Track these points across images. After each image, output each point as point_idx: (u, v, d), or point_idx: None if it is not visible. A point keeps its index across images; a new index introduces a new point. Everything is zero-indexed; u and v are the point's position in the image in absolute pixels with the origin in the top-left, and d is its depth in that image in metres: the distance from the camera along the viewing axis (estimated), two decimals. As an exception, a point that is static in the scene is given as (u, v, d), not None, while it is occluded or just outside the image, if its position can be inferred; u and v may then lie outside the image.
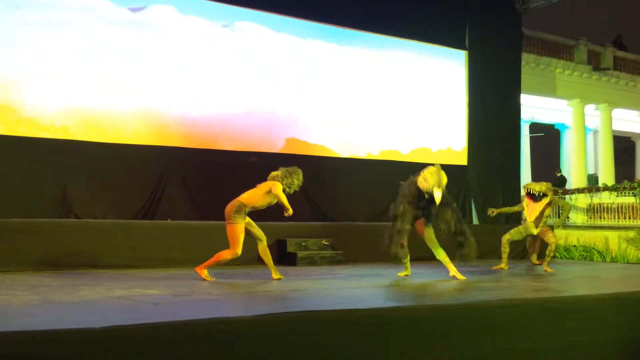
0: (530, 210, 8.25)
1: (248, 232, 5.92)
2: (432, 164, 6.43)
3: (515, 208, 8.98)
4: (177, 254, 7.41)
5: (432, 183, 6.14)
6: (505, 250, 8.34)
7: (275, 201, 5.99)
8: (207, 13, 9.52)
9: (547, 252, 8.22)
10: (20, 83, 8.12)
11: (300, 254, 8.10)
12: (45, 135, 8.23)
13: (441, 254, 6.57)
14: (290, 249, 8.25)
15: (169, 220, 8.53)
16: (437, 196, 6.11)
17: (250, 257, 7.36)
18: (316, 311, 3.74)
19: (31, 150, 8.03)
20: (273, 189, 5.87)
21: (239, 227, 5.77)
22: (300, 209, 9.98)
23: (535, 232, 8.30)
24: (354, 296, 4.93)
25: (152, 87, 9.03)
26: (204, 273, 5.82)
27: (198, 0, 9.44)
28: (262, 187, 5.96)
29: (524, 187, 8.56)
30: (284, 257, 8.18)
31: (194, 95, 9.33)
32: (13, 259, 6.62)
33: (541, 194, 8.13)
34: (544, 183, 8.47)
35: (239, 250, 5.78)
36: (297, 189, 6.12)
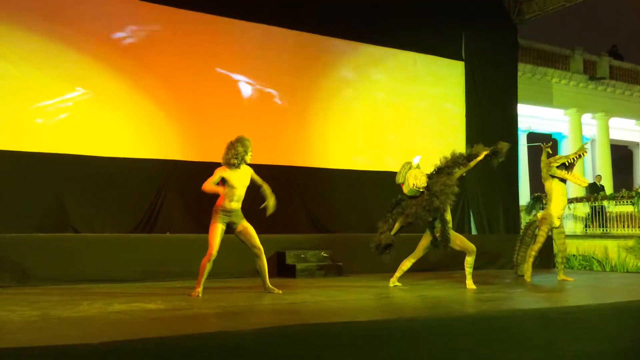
0: (560, 193, 7.42)
1: (243, 241, 5.87)
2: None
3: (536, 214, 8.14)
4: (176, 267, 7.38)
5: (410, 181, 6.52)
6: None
7: (247, 181, 5.80)
8: (203, 24, 9.56)
9: (561, 258, 7.85)
10: (18, 95, 8.12)
11: (299, 266, 8.08)
12: (42, 148, 8.22)
13: (406, 264, 6.78)
14: (289, 261, 8.23)
15: (168, 234, 8.52)
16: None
17: (248, 270, 7.36)
18: (315, 324, 3.74)
19: (29, 164, 8.03)
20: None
21: (211, 227, 5.73)
22: (299, 221, 10.04)
23: (557, 223, 7.63)
24: (353, 308, 4.92)
25: (151, 99, 9.05)
26: (198, 291, 5.68)
27: (195, 12, 9.48)
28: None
29: (550, 162, 7.65)
30: (283, 269, 8.16)
31: (192, 108, 9.35)
32: (12, 274, 6.59)
33: (564, 161, 7.41)
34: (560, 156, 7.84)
35: (213, 251, 5.64)
36: (245, 157, 5.80)
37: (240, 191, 5.81)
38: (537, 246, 7.74)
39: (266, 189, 5.91)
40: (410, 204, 6.60)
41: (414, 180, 6.54)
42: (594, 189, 14.58)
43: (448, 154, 6.90)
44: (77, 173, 8.34)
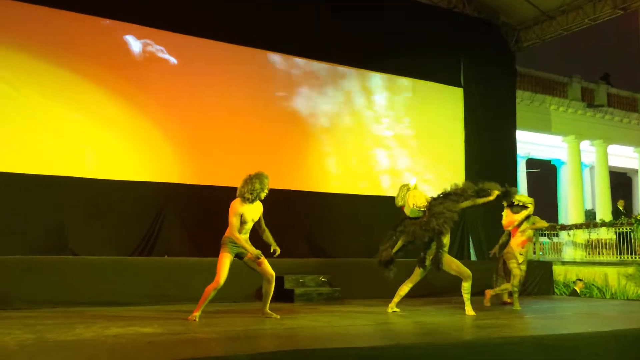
0: (509, 221, 7.65)
1: (252, 268, 5.86)
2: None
3: (503, 237, 8.13)
4: (174, 290, 7.35)
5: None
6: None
7: (258, 216, 5.82)
8: (204, 49, 9.68)
9: (510, 284, 7.56)
10: (19, 117, 8.18)
11: (297, 290, 8.05)
12: (42, 171, 8.25)
13: (404, 289, 6.81)
14: (287, 285, 8.19)
15: (167, 257, 8.50)
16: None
17: (246, 294, 7.33)
18: (312, 349, 3.72)
19: (29, 186, 8.06)
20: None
21: (220, 256, 5.68)
22: (298, 245, 10.02)
23: (521, 259, 7.56)
24: (350, 334, 4.89)
25: (150, 123, 9.11)
26: (195, 315, 5.66)
27: (195, 38, 9.60)
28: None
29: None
30: (281, 293, 8.12)
31: (191, 132, 9.41)
32: (9, 297, 6.55)
33: (521, 203, 7.58)
34: (525, 196, 8.03)
35: (220, 281, 5.60)
36: (261, 193, 5.80)
37: (249, 225, 5.85)
38: (516, 280, 7.62)
39: (269, 234, 5.97)
40: (410, 223, 6.68)
41: (413, 200, 6.62)
42: (617, 214, 14.29)
43: (459, 182, 6.98)
44: (77, 195, 8.36)
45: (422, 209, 6.61)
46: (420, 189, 6.93)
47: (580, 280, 11.83)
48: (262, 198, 5.91)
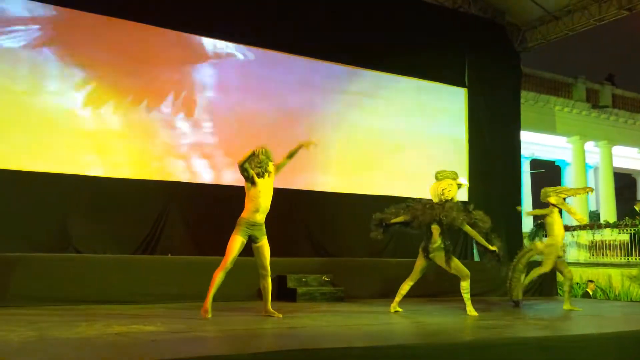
0: (559, 226, 7.54)
1: (255, 257, 5.80)
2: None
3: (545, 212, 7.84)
4: (177, 289, 7.37)
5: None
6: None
7: (272, 191, 5.75)
8: (209, 47, 9.69)
9: (568, 287, 7.72)
10: (20, 114, 8.19)
11: (300, 290, 8.05)
12: (45, 168, 8.26)
13: (405, 287, 6.81)
14: (290, 284, 8.20)
15: (170, 256, 8.51)
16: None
17: (252, 293, 7.33)
18: (314, 349, 3.72)
19: (31, 184, 8.06)
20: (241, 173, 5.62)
21: (232, 237, 5.62)
22: (301, 244, 10.02)
23: (561, 253, 7.69)
24: (352, 334, 4.89)
25: (154, 121, 9.12)
26: (207, 309, 5.63)
27: (198, 36, 9.62)
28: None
29: (554, 191, 7.77)
30: (283, 293, 8.13)
31: (196, 130, 9.42)
32: (12, 294, 6.58)
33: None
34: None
35: (228, 262, 5.55)
36: (268, 163, 5.75)
37: (265, 202, 5.71)
38: (541, 270, 7.70)
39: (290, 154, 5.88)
40: (421, 205, 6.76)
41: (447, 186, 6.70)
42: (633, 216, 14.20)
43: (484, 216, 6.91)
44: (80, 193, 8.37)
45: (445, 198, 6.67)
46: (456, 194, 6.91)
47: (591, 281, 11.78)
48: (271, 170, 5.77)
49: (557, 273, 8.39)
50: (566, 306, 7.66)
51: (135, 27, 9.07)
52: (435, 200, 6.79)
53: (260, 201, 5.68)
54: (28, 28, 8.33)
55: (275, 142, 9.98)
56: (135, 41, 9.08)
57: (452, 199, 6.73)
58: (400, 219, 6.85)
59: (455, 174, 6.94)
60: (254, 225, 5.70)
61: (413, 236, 7.26)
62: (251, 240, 5.75)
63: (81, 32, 8.70)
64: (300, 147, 5.86)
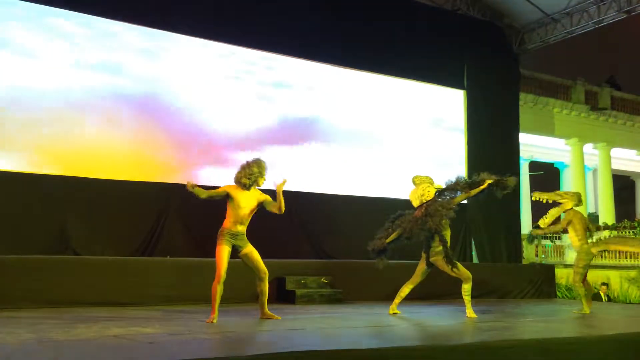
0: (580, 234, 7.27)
1: (247, 265, 5.82)
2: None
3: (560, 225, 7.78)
4: (175, 291, 7.37)
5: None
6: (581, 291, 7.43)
7: (254, 205, 5.71)
8: (206, 48, 9.69)
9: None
10: (19, 118, 8.19)
11: (299, 291, 8.04)
12: (44, 170, 8.26)
13: (405, 290, 6.78)
14: (289, 286, 8.19)
15: (168, 257, 8.49)
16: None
17: (250, 295, 7.31)
18: (313, 351, 3.71)
19: (30, 186, 8.05)
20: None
21: (218, 248, 5.62)
22: (300, 246, 10.00)
23: (595, 250, 7.50)
24: (351, 336, 4.88)
25: (153, 123, 9.12)
26: (213, 317, 5.60)
27: (197, 39, 9.61)
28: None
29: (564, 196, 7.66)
30: (282, 294, 8.12)
31: (194, 133, 9.42)
32: (11, 296, 6.57)
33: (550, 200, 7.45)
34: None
35: (221, 273, 5.54)
36: (259, 178, 5.73)
37: (245, 212, 5.70)
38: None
39: (277, 200, 5.81)
40: (406, 220, 6.64)
41: (425, 192, 6.63)
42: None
43: (453, 178, 6.92)
44: (79, 195, 8.35)
45: (425, 201, 6.59)
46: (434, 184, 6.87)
47: (605, 284, 11.72)
48: (260, 184, 5.77)
49: (556, 275, 8.37)
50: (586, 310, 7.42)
51: (139, 30, 9.08)
52: (417, 203, 6.71)
53: (239, 212, 5.69)
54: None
55: (273, 144, 10.06)
56: (135, 43, 9.09)
57: (425, 203, 6.64)
58: (394, 235, 6.74)
59: (431, 179, 6.88)
60: (236, 235, 5.71)
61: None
62: (235, 250, 5.74)
63: (81, 32, 8.71)
64: (280, 191, 5.79)
